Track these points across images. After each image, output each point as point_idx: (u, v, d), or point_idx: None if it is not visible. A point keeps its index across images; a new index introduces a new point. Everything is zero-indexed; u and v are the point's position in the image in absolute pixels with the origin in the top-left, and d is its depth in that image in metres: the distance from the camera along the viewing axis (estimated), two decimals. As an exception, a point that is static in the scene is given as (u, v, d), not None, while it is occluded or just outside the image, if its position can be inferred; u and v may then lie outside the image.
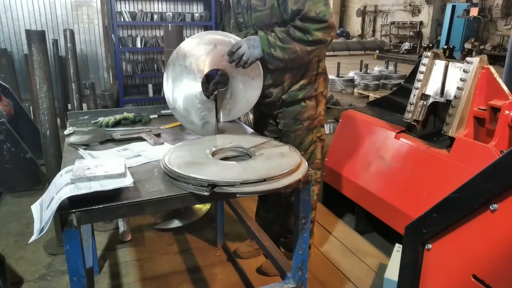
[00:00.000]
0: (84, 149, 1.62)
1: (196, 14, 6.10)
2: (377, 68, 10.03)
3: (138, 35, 5.89)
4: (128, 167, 1.31)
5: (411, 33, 17.56)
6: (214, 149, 1.48)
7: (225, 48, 1.80)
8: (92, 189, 1.12)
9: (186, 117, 1.80)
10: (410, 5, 17.82)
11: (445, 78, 2.35)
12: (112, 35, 5.68)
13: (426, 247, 1.26)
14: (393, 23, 18.59)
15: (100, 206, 1.12)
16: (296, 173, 1.33)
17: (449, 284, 1.21)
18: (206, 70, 1.80)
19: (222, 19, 5.99)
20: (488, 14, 14.30)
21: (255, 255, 2.56)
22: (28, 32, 2.24)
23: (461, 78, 2.21)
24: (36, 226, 1.12)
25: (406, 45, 16.75)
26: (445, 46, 11.95)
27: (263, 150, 1.48)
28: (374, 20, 20.02)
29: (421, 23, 17.37)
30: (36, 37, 2.23)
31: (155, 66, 6.03)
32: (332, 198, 3.19)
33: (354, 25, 21.14)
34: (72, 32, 4.15)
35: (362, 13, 20.40)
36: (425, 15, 17.22)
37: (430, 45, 14.22)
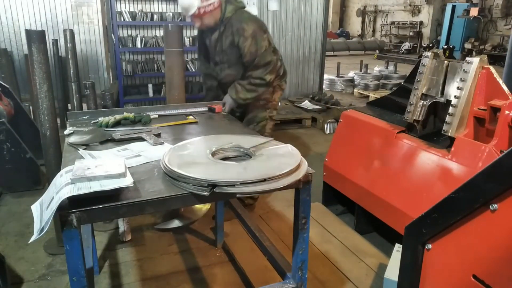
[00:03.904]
0: (84, 149, 1.62)
1: (196, 14, 6.09)
2: (377, 68, 10.04)
3: (138, 35, 5.89)
4: (128, 167, 1.31)
5: (411, 33, 17.55)
6: (214, 149, 1.48)
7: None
8: (92, 189, 1.12)
9: None
10: (410, 5, 17.82)
11: (445, 78, 2.35)
12: (112, 35, 5.68)
13: (426, 247, 1.26)
14: (393, 23, 18.58)
15: (100, 206, 1.13)
16: (296, 173, 1.33)
17: (449, 284, 1.21)
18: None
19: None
20: (488, 14, 14.30)
21: None
22: (28, 32, 2.24)
23: (461, 78, 2.21)
24: (36, 226, 1.12)
25: (406, 45, 16.74)
26: (445, 46, 11.96)
27: (263, 150, 1.48)
28: (374, 20, 20.02)
29: (421, 23, 17.36)
30: (36, 37, 2.22)
31: (155, 66, 6.03)
32: (332, 198, 3.19)
33: (354, 25, 21.15)
34: (72, 32, 4.16)
35: (362, 13, 20.40)
36: (425, 15, 17.22)
37: (430, 45, 14.23)
